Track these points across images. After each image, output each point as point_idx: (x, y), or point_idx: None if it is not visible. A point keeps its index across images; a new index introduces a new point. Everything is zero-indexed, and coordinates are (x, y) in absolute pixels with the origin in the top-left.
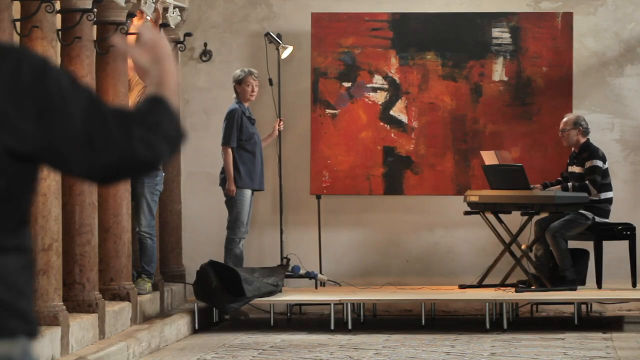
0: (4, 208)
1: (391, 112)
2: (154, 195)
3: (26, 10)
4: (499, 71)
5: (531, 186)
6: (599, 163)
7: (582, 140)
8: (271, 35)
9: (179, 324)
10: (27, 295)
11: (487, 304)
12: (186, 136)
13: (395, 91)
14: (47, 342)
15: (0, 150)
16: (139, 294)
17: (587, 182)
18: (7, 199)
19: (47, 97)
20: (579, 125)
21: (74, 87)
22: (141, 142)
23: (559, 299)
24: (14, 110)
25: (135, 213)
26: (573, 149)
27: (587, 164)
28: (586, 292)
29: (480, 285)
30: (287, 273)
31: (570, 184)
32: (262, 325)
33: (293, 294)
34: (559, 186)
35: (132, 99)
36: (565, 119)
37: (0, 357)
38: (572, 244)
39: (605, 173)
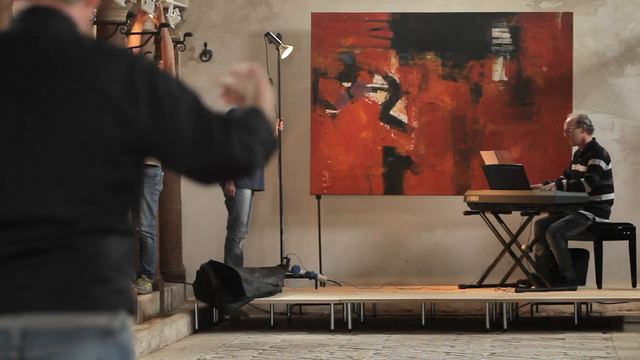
0: (121, 198)
1: (391, 112)
2: (153, 195)
3: None
4: (499, 71)
5: (532, 186)
6: (602, 163)
7: (588, 138)
8: (271, 35)
9: (179, 324)
10: (128, 275)
11: (487, 304)
12: (277, 145)
13: (395, 91)
14: None
15: (117, 145)
16: (139, 293)
17: (582, 179)
18: (125, 190)
19: (157, 97)
20: (583, 124)
21: (181, 90)
22: (241, 146)
23: (559, 299)
24: (128, 108)
25: (134, 213)
26: (578, 147)
27: (590, 162)
28: (586, 292)
29: (480, 285)
30: (287, 273)
31: (564, 181)
32: (262, 325)
33: (293, 294)
34: (554, 183)
35: None
36: (568, 119)
37: (102, 328)
38: (572, 244)
39: (607, 174)
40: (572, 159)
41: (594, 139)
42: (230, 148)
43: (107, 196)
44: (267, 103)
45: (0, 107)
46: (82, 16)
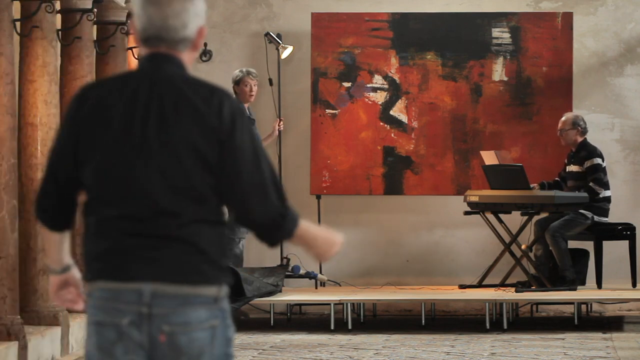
0: (216, 195)
1: (391, 112)
2: None
3: (26, 10)
4: (499, 71)
5: (531, 186)
6: (599, 161)
7: (580, 139)
8: (271, 35)
9: None
10: (226, 255)
11: (487, 304)
12: (288, 237)
13: (395, 91)
14: (47, 342)
15: (214, 156)
16: None
17: (590, 183)
18: (218, 189)
19: (232, 129)
20: (578, 125)
21: (251, 137)
22: (285, 212)
23: (559, 299)
24: (215, 131)
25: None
26: (571, 148)
27: (588, 163)
28: (586, 292)
29: (480, 285)
30: (287, 273)
31: (546, 183)
32: (262, 325)
33: (293, 294)
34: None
35: None
36: (563, 119)
37: (210, 296)
38: (572, 244)
39: (604, 171)
40: (566, 160)
41: (585, 138)
42: (279, 210)
43: (208, 196)
44: (316, 235)
45: (127, 126)
46: (188, 59)
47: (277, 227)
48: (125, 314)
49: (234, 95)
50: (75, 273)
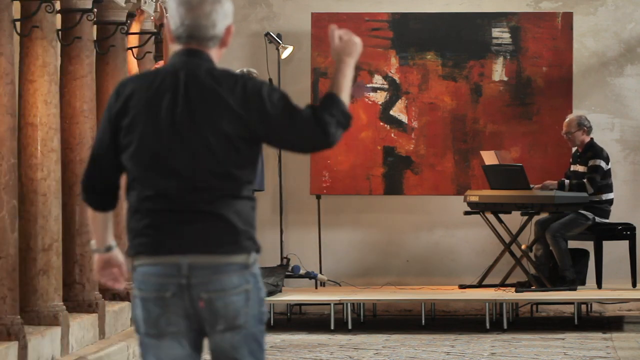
0: (242, 173)
1: (391, 112)
2: None
3: (26, 10)
4: (499, 71)
5: (531, 186)
6: (602, 163)
7: (587, 139)
8: (271, 35)
9: None
10: (254, 226)
11: (487, 304)
12: (352, 119)
13: (395, 91)
14: (47, 342)
15: (236, 138)
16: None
17: (585, 180)
18: (243, 167)
19: (262, 102)
20: (583, 126)
21: (279, 97)
22: (325, 124)
23: (559, 299)
24: (244, 113)
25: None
26: (577, 148)
27: (591, 163)
28: (586, 292)
29: (480, 285)
30: (287, 273)
31: (567, 181)
32: None
33: (293, 294)
34: (556, 183)
35: None
36: (567, 121)
37: (241, 264)
38: (572, 244)
39: (607, 174)
40: (571, 159)
41: (592, 139)
42: (318, 127)
43: (235, 173)
44: (344, 86)
45: (161, 113)
46: (217, 55)
47: (327, 144)
48: (167, 287)
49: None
50: (118, 253)
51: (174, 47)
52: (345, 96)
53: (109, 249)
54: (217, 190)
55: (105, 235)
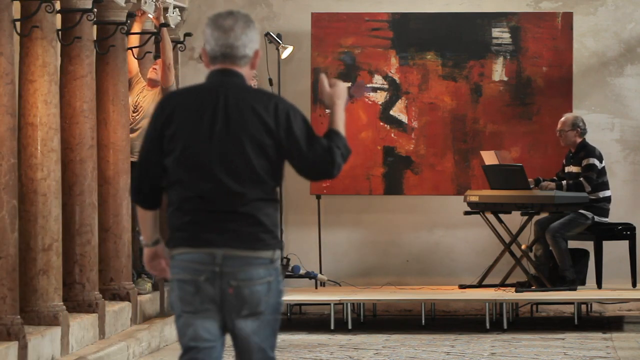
0: (271, 179)
1: (391, 112)
2: None
3: (26, 10)
4: (499, 71)
5: (531, 185)
6: (596, 161)
7: (579, 140)
8: (271, 35)
9: None
10: (278, 226)
11: (487, 304)
12: (351, 153)
13: (395, 91)
14: (47, 342)
15: (268, 147)
16: (139, 293)
17: (581, 179)
18: (273, 174)
19: (289, 122)
20: (577, 127)
21: (302, 122)
22: (334, 154)
23: (559, 299)
24: (274, 127)
25: (135, 213)
26: (570, 148)
27: (584, 162)
28: (586, 292)
29: (480, 285)
30: (287, 273)
31: (564, 182)
32: None
33: (293, 294)
34: (554, 183)
35: (132, 97)
36: (563, 119)
37: (267, 258)
38: (572, 244)
39: (602, 172)
40: (565, 160)
41: (584, 139)
42: (329, 156)
43: (265, 178)
44: (341, 122)
45: (201, 124)
46: (247, 74)
47: (331, 173)
48: (202, 273)
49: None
50: (163, 247)
51: (210, 67)
52: (343, 132)
53: (156, 242)
54: (250, 194)
55: (153, 230)
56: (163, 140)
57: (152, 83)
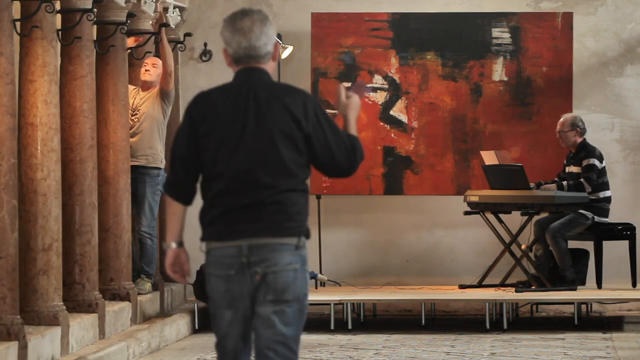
0: (301, 171)
1: (391, 112)
2: (155, 196)
3: (26, 10)
4: (499, 71)
5: (531, 185)
6: (596, 162)
7: (579, 140)
8: None
9: (179, 324)
10: (306, 215)
11: (487, 304)
12: (364, 159)
13: (395, 91)
14: (47, 342)
15: (298, 140)
16: (139, 293)
17: (582, 179)
18: (302, 166)
19: (317, 118)
20: (577, 127)
21: (328, 118)
22: (355, 149)
23: (559, 299)
24: (302, 120)
25: (136, 213)
26: (570, 149)
27: (584, 162)
28: (586, 292)
29: (480, 285)
30: None
31: (565, 183)
32: None
33: None
34: (554, 184)
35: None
36: (562, 120)
37: (293, 245)
38: (572, 244)
39: (602, 172)
40: (565, 161)
41: (584, 139)
42: (351, 156)
43: (295, 169)
44: (355, 130)
45: (233, 121)
46: (270, 68)
47: (351, 171)
48: (231, 266)
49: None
50: (185, 251)
51: (235, 67)
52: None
53: (180, 244)
54: (280, 185)
55: (179, 230)
56: (197, 137)
57: (146, 85)
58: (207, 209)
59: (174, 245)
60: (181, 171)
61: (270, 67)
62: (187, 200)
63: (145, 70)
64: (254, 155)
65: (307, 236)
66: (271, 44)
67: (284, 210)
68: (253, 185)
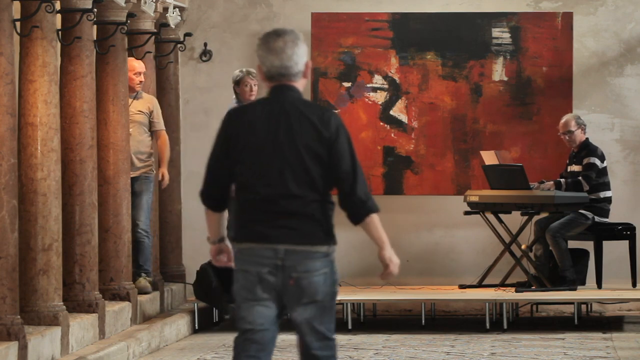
0: (326, 183)
1: (391, 112)
2: (151, 194)
3: (26, 10)
4: (499, 71)
5: (531, 185)
6: (597, 161)
7: (584, 138)
8: None
9: (179, 324)
10: (333, 224)
11: (487, 304)
12: (374, 211)
13: (395, 91)
14: (47, 342)
15: (322, 155)
16: (145, 293)
17: (580, 177)
18: (327, 179)
19: (337, 139)
20: (581, 125)
21: (349, 142)
22: (358, 184)
23: (559, 299)
24: (328, 137)
25: (134, 210)
26: (573, 149)
27: (585, 161)
28: (586, 292)
29: (480, 285)
30: None
31: (562, 180)
32: None
33: None
34: (552, 183)
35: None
36: (564, 121)
37: (323, 252)
38: (572, 244)
39: (602, 172)
40: (567, 160)
41: (587, 138)
42: (366, 189)
43: (320, 183)
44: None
45: (265, 135)
46: (301, 85)
47: (362, 203)
48: (265, 265)
49: (234, 96)
50: (228, 243)
51: (268, 85)
52: (385, 239)
53: (221, 240)
54: (308, 196)
55: (219, 229)
56: (231, 150)
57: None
58: (241, 214)
59: (216, 241)
60: (214, 181)
61: (301, 84)
62: (221, 208)
63: (140, 82)
64: (284, 168)
65: (335, 243)
66: (302, 64)
67: (317, 220)
68: (284, 197)
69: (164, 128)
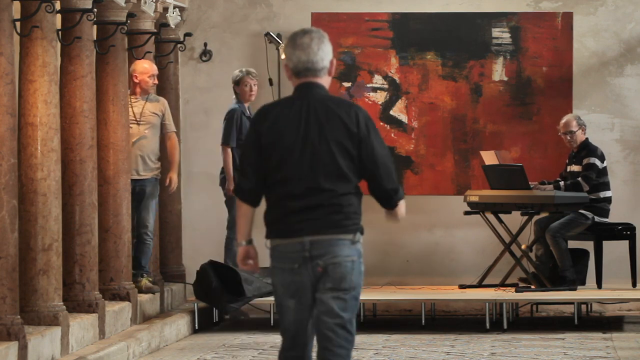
0: (354, 176)
1: (391, 112)
2: (157, 197)
3: (26, 10)
4: (499, 71)
5: (531, 185)
6: (596, 161)
7: (583, 138)
8: (271, 35)
9: (179, 324)
10: (360, 214)
11: (487, 304)
12: (399, 200)
13: (395, 91)
14: (47, 342)
15: (351, 149)
16: (152, 293)
17: (579, 178)
18: (356, 172)
19: (367, 133)
20: (582, 125)
21: (378, 135)
22: (393, 176)
23: (559, 299)
24: (356, 131)
25: (144, 212)
26: (573, 149)
27: (585, 161)
28: (586, 292)
29: (480, 285)
30: None
31: (562, 183)
32: (262, 325)
33: None
34: (552, 187)
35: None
36: (565, 121)
37: (350, 240)
38: (572, 244)
39: (602, 172)
40: (567, 160)
41: (587, 138)
42: (395, 182)
43: (349, 176)
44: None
45: (295, 131)
46: (327, 82)
47: (395, 192)
48: (295, 261)
49: (234, 96)
50: (254, 247)
51: (295, 81)
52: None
53: (249, 242)
54: (337, 189)
55: (249, 229)
56: (262, 147)
57: (145, 92)
58: (271, 210)
59: (244, 243)
60: (251, 177)
61: (326, 81)
62: (256, 203)
63: (154, 83)
64: (314, 163)
65: (362, 232)
66: (327, 60)
67: (341, 210)
68: (314, 190)
69: (175, 130)
